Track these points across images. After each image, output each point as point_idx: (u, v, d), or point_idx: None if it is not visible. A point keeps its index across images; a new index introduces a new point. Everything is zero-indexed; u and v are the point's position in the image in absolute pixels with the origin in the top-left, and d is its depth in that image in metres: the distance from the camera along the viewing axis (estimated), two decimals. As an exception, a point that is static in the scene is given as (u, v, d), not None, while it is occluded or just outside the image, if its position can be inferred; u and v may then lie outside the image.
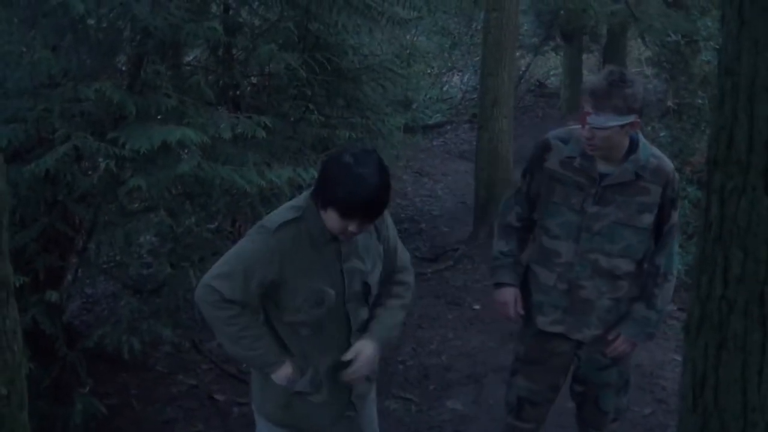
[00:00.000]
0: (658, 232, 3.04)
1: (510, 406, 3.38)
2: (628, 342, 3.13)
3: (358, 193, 2.39)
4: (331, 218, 2.46)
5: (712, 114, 1.65)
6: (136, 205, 4.33)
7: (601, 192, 2.97)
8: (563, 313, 3.12)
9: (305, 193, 2.62)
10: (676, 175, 3.02)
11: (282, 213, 2.58)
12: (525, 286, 3.24)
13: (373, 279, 2.69)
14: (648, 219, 2.99)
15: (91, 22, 3.95)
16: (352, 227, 2.46)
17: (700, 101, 8.03)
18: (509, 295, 3.21)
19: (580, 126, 2.94)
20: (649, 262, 3.10)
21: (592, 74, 3.10)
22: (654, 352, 5.07)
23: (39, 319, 3.64)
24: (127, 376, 4.65)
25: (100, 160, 3.90)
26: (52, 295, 3.64)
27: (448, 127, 12.96)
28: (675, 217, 3.03)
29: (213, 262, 4.43)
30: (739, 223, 1.52)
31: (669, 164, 3.01)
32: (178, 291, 4.40)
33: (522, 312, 3.20)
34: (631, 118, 2.82)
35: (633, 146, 2.96)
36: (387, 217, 2.77)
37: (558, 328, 3.16)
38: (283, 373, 2.64)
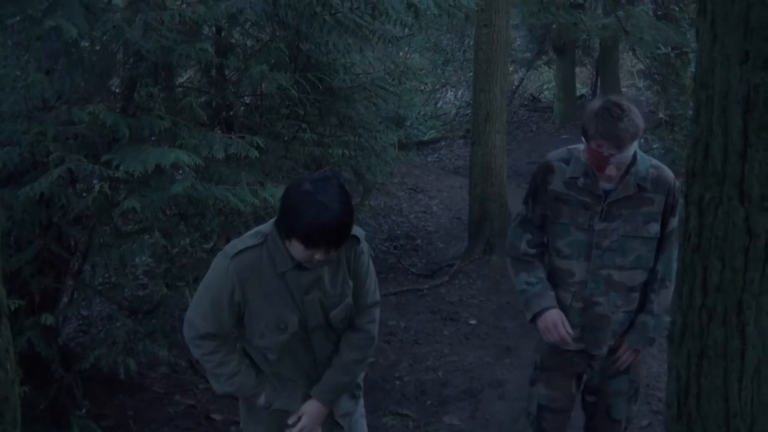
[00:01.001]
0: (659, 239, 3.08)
1: (531, 417, 3.40)
2: (630, 350, 3.16)
3: (320, 221, 2.36)
4: (296, 248, 2.43)
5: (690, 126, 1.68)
6: (131, 226, 4.36)
7: (607, 208, 3.01)
8: (582, 330, 3.15)
9: (270, 221, 2.63)
10: (677, 182, 3.05)
11: (244, 239, 2.60)
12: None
13: (337, 315, 2.66)
14: (655, 228, 3.03)
15: (84, 45, 3.98)
16: (318, 255, 2.43)
17: (691, 113, 8.07)
18: (555, 315, 3.10)
19: (583, 149, 2.99)
20: (648, 273, 3.14)
21: (587, 112, 3.06)
22: (650, 364, 5.08)
23: (35, 342, 3.66)
24: (123, 398, 4.65)
25: (95, 182, 3.92)
26: (48, 318, 3.66)
27: (443, 143, 13.03)
28: (674, 223, 3.06)
29: (208, 282, 4.50)
30: (716, 233, 1.55)
31: (669, 173, 3.05)
32: (174, 311, 4.42)
33: (571, 332, 3.10)
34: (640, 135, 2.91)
35: (632, 159, 2.98)
36: (365, 253, 2.71)
37: (579, 346, 3.18)
38: (260, 403, 2.73)
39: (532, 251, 3.20)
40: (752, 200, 1.48)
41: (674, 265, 3.06)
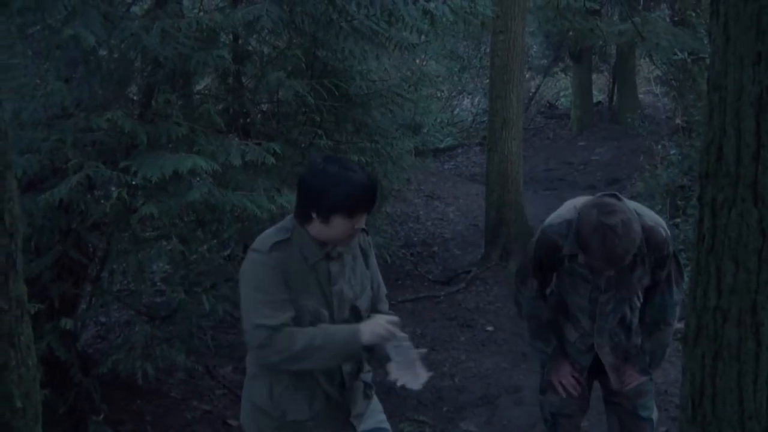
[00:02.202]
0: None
1: (546, 422, 3.45)
2: (635, 372, 3.25)
3: (357, 186, 2.47)
4: (338, 224, 2.49)
5: (703, 129, 1.68)
6: (149, 232, 4.39)
7: (606, 281, 3.05)
8: (586, 365, 3.28)
9: (288, 218, 2.64)
10: (669, 237, 3.03)
11: (269, 236, 2.59)
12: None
13: (363, 304, 2.70)
14: (647, 280, 3.09)
15: (102, 53, 4.03)
16: (358, 223, 2.51)
17: (707, 118, 8.02)
18: (566, 367, 3.29)
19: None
20: (640, 312, 3.23)
21: (584, 224, 2.99)
22: (667, 370, 5.06)
23: (54, 346, 3.69)
24: (141, 403, 4.67)
25: (113, 188, 3.96)
26: (67, 323, 3.69)
27: (459, 150, 13.04)
28: (662, 275, 3.07)
29: (226, 288, 4.53)
30: (730, 235, 1.55)
31: (660, 233, 2.99)
32: (192, 317, 4.44)
33: (578, 388, 3.28)
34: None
35: None
36: (371, 244, 2.82)
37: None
38: (369, 329, 2.55)
39: (541, 303, 3.25)
40: (765, 201, 1.49)
41: (673, 310, 3.16)
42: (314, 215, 2.51)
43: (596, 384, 3.43)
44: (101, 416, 4.06)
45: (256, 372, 2.71)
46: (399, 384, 2.59)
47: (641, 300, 3.23)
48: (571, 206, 3.07)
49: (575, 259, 3.02)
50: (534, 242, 3.17)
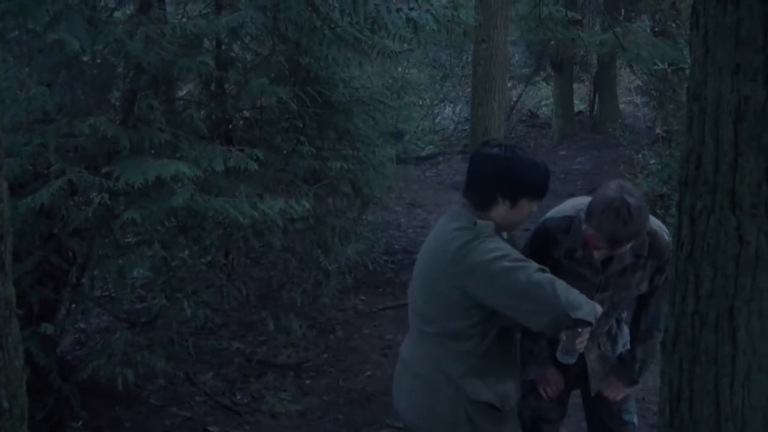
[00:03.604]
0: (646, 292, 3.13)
1: (526, 428, 3.41)
2: (618, 381, 3.24)
3: (543, 170, 2.65)
4: (524, 207, 2.62)
5: (682, 137, 1.71)
6: (130, 238, 4.38)
7: (605, 280, 3.01)
8: (577, 378, 3.26)
9: (468, 216, 2.62)
10: (670, 244, 2.97)
11: (483, 227, 2.58)
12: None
13: None
14: (644, 286, 3.06)
15: (85, 58, 4.02)
16: (533, 208, 2.66)
17: (688, 127, 8.10)
18: (553, 375, 3.25)
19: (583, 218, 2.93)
20: (633, 318, 3.21)
21: (598, 196, 3.02)
22: (646, 378, 5.08)
23: (33, 352, 3.66)
24: (120, 409, 4.65)
25: (95, 194, 3.95)
26: (47, 328, 3.67)
27: (441, 158, 13.06)
28: (660, 280, 3.04)
29: (207, 294, 4.53)
30: (708, 241, 1.58)
31: (664, 238, 2.98)
32: (172, 323, 4.43)
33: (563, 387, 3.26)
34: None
35: None
36: None
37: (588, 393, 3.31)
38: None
39: None
40: (743, 209, 1.51)
41: (663, 319, 3.13)
42: (501, 199, 2.59)
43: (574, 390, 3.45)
44: (80, 423, 4.05)
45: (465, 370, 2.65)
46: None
47: (628, 314, 3.25)
48: (573, 203, 3.09)
49: (573, 255, 2.99)
50: (531, 233, 3.15)
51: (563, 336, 2.78)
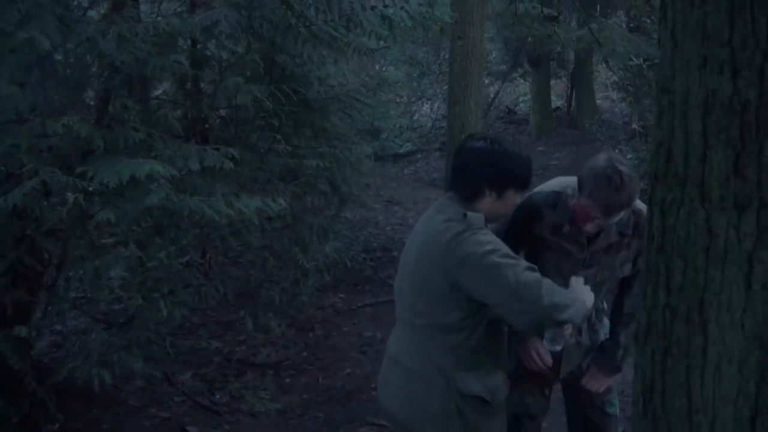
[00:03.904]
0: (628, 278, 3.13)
1: (509, 425, 3.41)
2: (600, 373, 3.22)
3: (528, 162, 2.70)
4: (510, 198, 2.68)
5: (652, 131, 1.72)
6: (106, 239, 4.34)
7: (589, 256, 3.02)
8: (553, 358, 3.17)
9: (456, 208, 2.64)
10: None
11: (474, 218, 2.61)
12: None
13: None
14: (628, 268, 3.07)
15: (58, 58, 3.98)
16: (517, 199, 2.73)
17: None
18: (537, 346, 3.14)
19: (570, 195, 2.98)
20: (615, 303, 3.20)
21: (589, 167, 3.06)
22: (626, 372, 5.12)
23: (7, 355, 3.63)
24: (98, 411, 4.62)
25: (69, 194, 3.91)
26: (21, 331, 3.63)
27: (419, 156, 13.08)
28: (643, 263, 3.05)
29: (185, 294, 4.50)
30: (678, 234, 1.59)
31: None
32: (149, 323, 4.40)
33: (549, 362, 3.12)
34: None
35: None
36: None
37: (554, 376, 3.26)
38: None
39: None
40: (712, 201, 1.52)
41: None
42: (488, 191, 2.64)
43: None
44: (56, 426, 4.01)
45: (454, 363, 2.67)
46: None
47: (608, 305, 3.24)
48: (560, 180, 3.11)
49: (560, 231, 3.00)
50: (516, 206, 3.09)
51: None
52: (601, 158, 2.84)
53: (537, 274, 2.55)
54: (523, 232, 3.08)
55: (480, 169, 2.64)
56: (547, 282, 2.55)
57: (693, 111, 1.54)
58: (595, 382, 3.24)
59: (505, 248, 2.58)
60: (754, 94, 1.46)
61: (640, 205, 2.95)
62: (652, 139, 1.70)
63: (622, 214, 2.83)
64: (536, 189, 3.12)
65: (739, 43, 1.46)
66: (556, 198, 3.02)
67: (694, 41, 1.53)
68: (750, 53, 1.46)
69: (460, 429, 2.66)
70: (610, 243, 2.99)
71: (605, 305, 3.26)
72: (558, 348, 2.88)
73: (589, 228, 2.92)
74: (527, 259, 3.06)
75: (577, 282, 2.80)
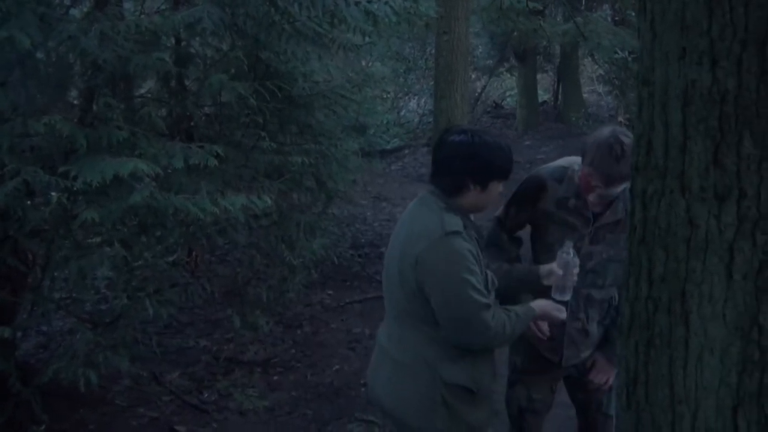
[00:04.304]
0: None
1: (512, 418, 3.41)
2: (606, 363, 3.21)
3: (509, 151, 2.72)
4: (494, 189, 2.69)
5: (633, 123, 1.73)
6: (91, 239, 4.32)
7: (594, 231, 3.02)
8: (560, 345, 3.18)
9: (441, 206, 2.66)
10: None
11: (444, 224, 2.61)
12: None
13: None
14: None
15: (40, 56, 3.95)
16: (501, 188, 2.74)
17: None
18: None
19: (577, 170, 3.00)
20: (619, 288, 3.18)
21: (592, 136, 3.13)
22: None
23: (-8, 356, 3.62)
24: (84, 412, 4.59)
25: (52, 194, 3.89)
26: (5, 331, 3.61)
27: (406, 151, 13.07)
28: None
29: (171, 293, 4.48)
30: (660, 225, 1.58)
31: None
32: (136, 323, 4.38)
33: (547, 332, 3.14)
34: None
35: None
36: None
37: (554, 358, 3.22)
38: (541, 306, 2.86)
39: (504, 236, 3.26)
40: (692, 192, 1.52)
41: None
42: (472, 185, 2.65)
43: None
44: (42, 427, 4.00)
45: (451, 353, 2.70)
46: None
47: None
48: (566, 158, 3.16)
49: (565, 204, 3.02)
50: (522, 181, 3.20)
51: (559, 271, 2.90)
52: (606, 129, 2.91)
53: (489, 314, 2.61)
54: (527, 204, 3.12)
55: (463, 162, 2.65)
56: (494, 320, 2.62)
57: (672, 102, 1.54)
58: (602, 375, 3.22)
59: (477, 275, 2.61)
60: (733, 84, 1.46)
61: None
62: (634, 131, 1.70)
63: (624, 185, 2.83)
64: (542, 166, 3.22)
65: (717, 33, 1.46)
66: (563, 172, 3.07)
67: (673, 32, 1.53)
68: (728, 43, 1.45)
69: (446, 418, 2.69)
70: (616, 220, 3.00)
71: (616, 297, 3.19)
72: (567, 298, 2.93)
73: (592, 199, 2.94)
74: (532, 233, 3.18)
75: (559, 258, 2.89)
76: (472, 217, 2.77)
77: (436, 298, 2.60)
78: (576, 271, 2.91)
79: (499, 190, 2.72)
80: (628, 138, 2.79)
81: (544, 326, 3.04)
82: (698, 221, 1.52)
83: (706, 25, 1.47)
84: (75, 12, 4.57)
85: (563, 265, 2.89)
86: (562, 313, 2.89)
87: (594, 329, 3.18)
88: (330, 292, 6.91)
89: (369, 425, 4.68)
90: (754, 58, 1.44)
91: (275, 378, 5.30)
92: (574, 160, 3.07)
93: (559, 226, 3.05)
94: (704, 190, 1.50)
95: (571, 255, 2.89)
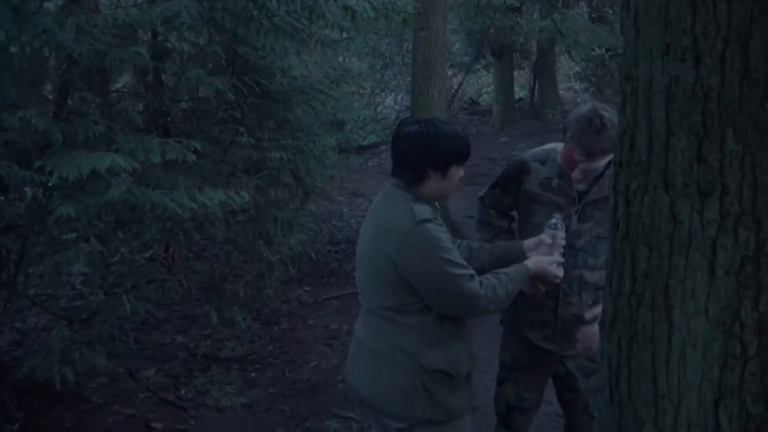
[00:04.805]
0: None
1: (500, 415, 3.40)
2: (592, 329, 3.12)
3: (464, 136, 2.77)
4: (454, 174, 2.73)
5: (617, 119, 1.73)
6: (67, 234, 4.27)
7: (581, 209, 3.05)
8: (553, 331, 3.18)
9: (408, 198, 2.68)
10: None
11: (417, 212, 2.63)
12: (513, 302, 3.12)
13: None
14: None
15: (14, 50, 3.90)
16: (461, 173, 2.78)
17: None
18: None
19: (559, 152, 3.05)
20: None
21: (573, 114, 3.23)
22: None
23: (-35, 354, 3.56)
24: (60, 410, 4.54)
25: (27, 189, 3.84)
26: (-21, 328, 3.57)
27: (383, 147, 13.04)
28: None
29: (148, 289, 4.44)
30: (643, 221, 1.59)
31: None
32: (112, 319, 4.34)
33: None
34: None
35: (607, 163, 3.00)
36: None
37: (550, 346, 3.21)
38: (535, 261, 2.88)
39: (492, 212, 3.32)
40: (676, 188, 1.53)
41: None
42: (432, 173, 2.68)
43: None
44: (16, 425, 3.94)
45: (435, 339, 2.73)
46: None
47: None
48: (549, 144, 3.23)
49: (549, 185, 3.07)
50: (506, 165, 3.31)
51: (547, 240, 2.94)
52: (586, 105, 3.00)
53: (476, 283, 2.64)
54: (511, 187, 3.20)
55: (421, 153, 2.69)
56: (484, 288, 2.66)
57: (656, 98, 1.55)
58: (586, 339, 3.16)
59: (455, 252, 2.66)
60: (716, 80, 1.47)
61: None
62: (617, 127, 1.70)
63: (606, 159, 2.90)
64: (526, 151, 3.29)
65: (701, 30, 1.47)
66: (545, 154, 3.14)
67: (657, 28, 1.54)
68: (712, 40, 1.46)
69: (426, 404, 2.71)
70: (602, 197, 3.02)
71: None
72: (559, 273, 2.92)
73: (576, 175, 2.98)
74: (519, 218, 3.23)
75: (547, 229, 2.93)
76: (437, 205, 2.83)
77: (423, 287, 2.64)
78: (562, 237, 2.92)
79: (460, 175, 2.76)
80: (608, 112, 2.86)
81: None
82: (681, 217, 1.53)
83: (690, 22, 1.48)
84: (49, 5, 4.51)
85: (551, 234, 2.93)
86: (559, 270, 2.91)
87: (590, 316, 3.15)
88: (307, 288, 6.89)
89: (347, 421, 4.67)
90: (737, 55, 1.45)
91: (253, 374, 5.28)
92: (556, 145, 3.13)
93: (544, 206, 3.09)
94: (687, 186, 1.51)
95: (559, 226, 2.92)
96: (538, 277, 2.93)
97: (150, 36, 4.88)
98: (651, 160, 1.57)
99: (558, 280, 2.96)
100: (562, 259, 2.94)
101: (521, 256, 2.96)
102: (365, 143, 12.77)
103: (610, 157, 2.87)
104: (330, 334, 5.97)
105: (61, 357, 3.87)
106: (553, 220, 2.94)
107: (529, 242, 3.01)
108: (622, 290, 1.66)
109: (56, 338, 3.96)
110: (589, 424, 3.35)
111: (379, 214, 2.76)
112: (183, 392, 4.96)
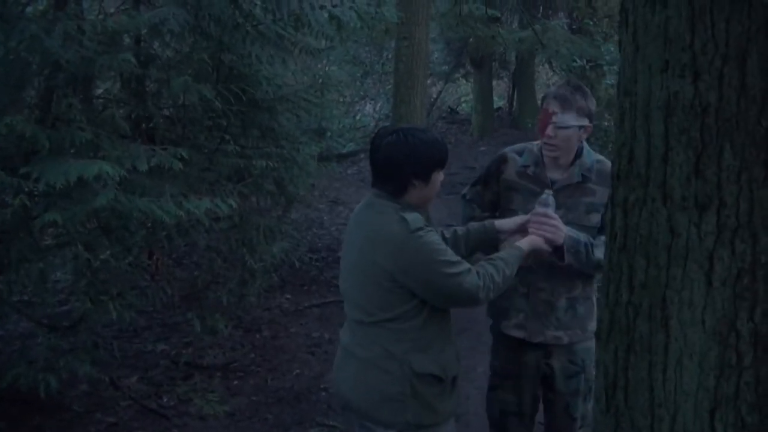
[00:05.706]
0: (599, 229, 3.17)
1: (493, 419, 3.43)
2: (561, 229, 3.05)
3: (441, 141, 2.80)
4: (436, 179, 2.77)
5: (614, 132, 1.76)
6: (51, 241, 4.25)
7: (554, 196, 3.09)
8: (525, 317, 3.22)
9: (396, 207, 2.69)
10: None
11: (411, 219, 2.65)
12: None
13: None
14: (596, 218, 3.14)
15: (-4, 55, 3.88)
16: (441, 177, 2.81)
17: (606, 123, 8.31)
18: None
19: (539, 136, 3.16)
20: None
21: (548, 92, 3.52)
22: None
23: (-52, 361, 3.53)
24: (41, 418, 4.50)
25: (11, 196, 3.82)
26: (-37, 335, 3.54)
27: (362, 156, 13.06)
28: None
29: (132, 296, 4.42)
30: (641, 233, 1.62)
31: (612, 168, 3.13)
32: (97, 326, 4.32)
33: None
34: (587, 122, 3.09)
35: (579, 152, 3.17)
36: None
37: (520, 333, 3.24)
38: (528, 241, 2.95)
39: (474, 206, 3.41)
40: (674, 201, 1.56)
41: None
42: (416, 181, 2.70)
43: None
44: (-3, 434, 3.92)
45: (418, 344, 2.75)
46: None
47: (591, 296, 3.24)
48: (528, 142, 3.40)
49: (525, 172, 3.21)
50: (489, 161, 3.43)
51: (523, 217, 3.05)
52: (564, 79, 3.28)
53: (473, 275, 2.69)
54: (492, 180, 3.32)
55: (403, 164, 2.70)
56: (482, 279, 2.70)
57: (655, 113, 1.58)
58: (551, 231, 3.02)
59: (449, 252, 2.69)
60: (715, 97, 1.50)
61: (602, 157, 3.22)
62: (615, 140, 1.73)
63: (578, 121, 3.05)
64: None
65: (699, 47, 1.51)
66: (523, 147, 3.32)
67: (656, 45, 1.57)
68: (710, 57, 1.50)
69: (417, 408, 2.72)
70: (572, 184, 3.14)
71: (594, 290, 3.23)
72: (551, 210, 2.99)
73: (549, 133, 3.08)
74: (501, 204, 3.31)
75: (538, 201, 3.01)
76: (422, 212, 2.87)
77: (427, 292, 2.67)
78: (552, 203, 3.00)
79: (440, 179, 2.80)
80: (585, 88, 3.12)
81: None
82: (679, 229, 1.56)
83: (689, 39, 1.51)
84: (30, 10, 4.49)
85: (543, 202, 3.00)
86: (558, 236, 2.96)
87: (563, 304, 3.18)
88: (288, 296, 6.89)
89: (331, 430, 4.67)
90: (734, 72, 1.49)
91: (235, 382, 5.27)
92: (535, 142, 3.28)
93: (521, 193, 3.21)
94: (685, 200, 1.54)
95: (550, 201, 3.00)
96: (531, 256, 2.99)
97: (134, 42, 4.87)
98: (649, 173, 1.60)
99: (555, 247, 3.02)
100: (565, 228, 2.99)
101: (495, 236, 3.05)
102: (345, 151, 12.78)
103: (582, 122, 3.06)
104: (312, 342, 5.96)
105: (44, 365, 3.85)
106: (544, 196, 3.02)
107: (501, 222, 3.08)
108: (619, 300, 1.68)
109: (40, 346, 3.94)
110: (570, 425, 3.39)
111: (368, 226, 2.75)
112: (165, 400, 4.93)
